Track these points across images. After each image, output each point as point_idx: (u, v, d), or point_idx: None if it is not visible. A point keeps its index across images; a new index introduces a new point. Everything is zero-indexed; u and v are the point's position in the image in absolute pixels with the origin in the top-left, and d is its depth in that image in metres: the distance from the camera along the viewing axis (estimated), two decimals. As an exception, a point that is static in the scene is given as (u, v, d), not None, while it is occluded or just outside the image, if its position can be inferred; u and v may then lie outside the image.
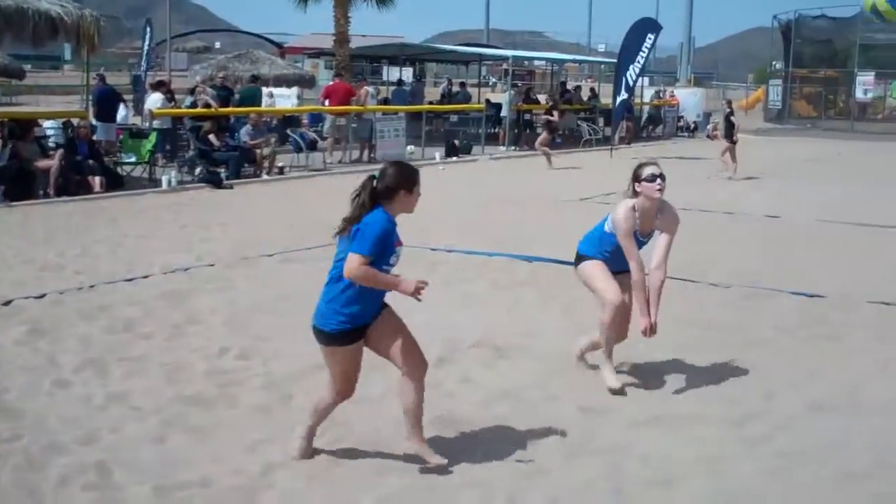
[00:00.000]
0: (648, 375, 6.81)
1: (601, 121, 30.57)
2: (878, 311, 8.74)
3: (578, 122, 29.77)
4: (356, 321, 4.89)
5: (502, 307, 8.67)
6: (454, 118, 28.64)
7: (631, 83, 26.14)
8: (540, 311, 8.51)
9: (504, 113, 27.58)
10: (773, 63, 51.16)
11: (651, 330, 6.31)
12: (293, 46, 36.52)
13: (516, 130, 27.64)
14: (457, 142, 24.47)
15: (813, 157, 26.76)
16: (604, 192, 17.17)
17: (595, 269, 6.51)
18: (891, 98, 46.82)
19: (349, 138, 21.64)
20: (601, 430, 5.76)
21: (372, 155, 21.56)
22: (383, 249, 4.75)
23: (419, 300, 4.83)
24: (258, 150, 18.30)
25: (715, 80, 79.35)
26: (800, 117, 46.22)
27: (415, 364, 4.99)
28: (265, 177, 18.15)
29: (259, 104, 22.45)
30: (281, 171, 18.71)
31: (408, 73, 33.22)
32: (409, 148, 22.64)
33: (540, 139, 22.19)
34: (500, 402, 6.19)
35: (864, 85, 43.62)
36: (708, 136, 21.47)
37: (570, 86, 36.04)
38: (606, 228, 6.44)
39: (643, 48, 25.77)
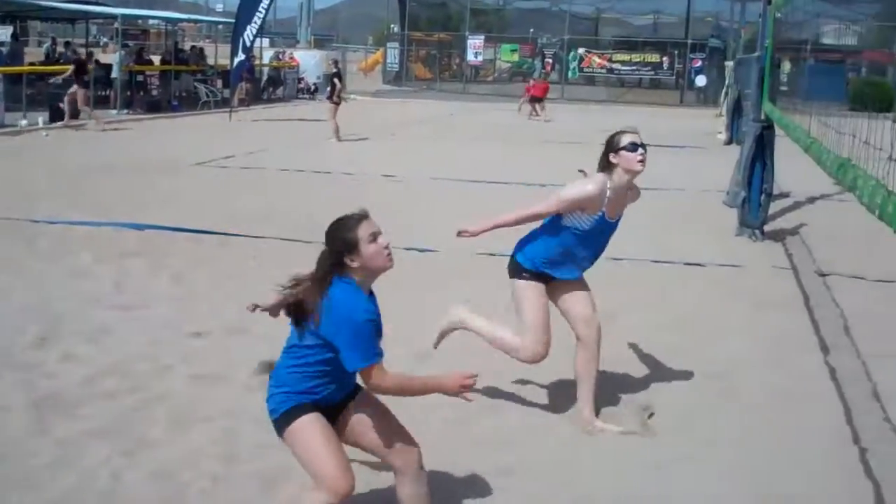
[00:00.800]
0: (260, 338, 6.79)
1: (220, 82, 30.06)
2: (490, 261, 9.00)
3: (195, 83, 29.08)
4: (318, 398, 3.81)
5: (109, 280, 8.25)
6: (59, 80, 26.77)
7: (249, 44, 25.98)
8: (149, 281, 8.19)
9: (115, 74, 26.32)
10: (391, 26, 52.90)
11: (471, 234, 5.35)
12: None
13: (128, 93, 26.52)
14: (62, 105, 22.95)
15: (427, 119, 28.02)
16: (223, 156, 16.94)
17: (531, 297, 5.39)
18: (499, 60, 50.07)
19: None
20: (214, 397, 5.65)
21: (-36, 121, 19.68)
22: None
23: (469, 400, 3.86)
24: None
25: (335, 42, 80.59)
26: (417, 79, 48.26)
27: (409, 456, 3.94)
28: None
29: None
30: None
31: (6, 32, 30.57)
32: (23, 122, 20.84)
33: (81, 98, 21.12)
34: (107, 378, 5.88)
35: (475, 48, 46.28)
36: (328, 98, 21.95)
37: (186, 46, 35.05)
38: (567, 222, 5.29)
39: (260, 9, 25.72)
